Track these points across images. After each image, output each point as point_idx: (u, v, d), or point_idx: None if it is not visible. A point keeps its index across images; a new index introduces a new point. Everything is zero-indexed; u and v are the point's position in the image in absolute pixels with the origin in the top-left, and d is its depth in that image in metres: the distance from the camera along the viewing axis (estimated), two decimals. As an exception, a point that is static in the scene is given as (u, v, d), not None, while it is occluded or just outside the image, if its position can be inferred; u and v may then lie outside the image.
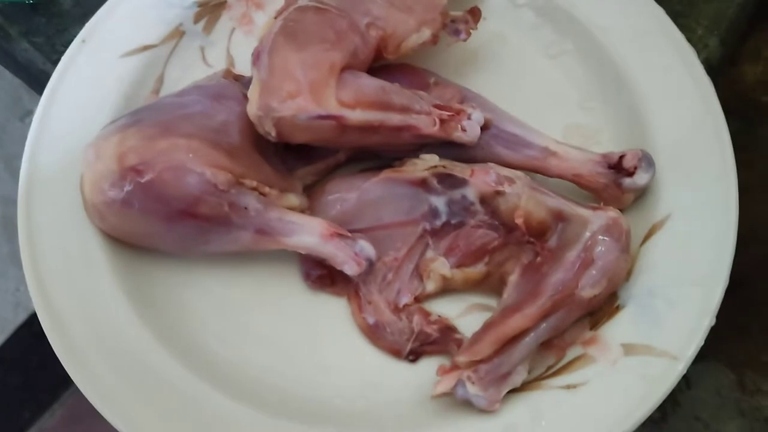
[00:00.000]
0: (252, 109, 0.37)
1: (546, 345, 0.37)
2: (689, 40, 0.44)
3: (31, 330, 1.05)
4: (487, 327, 0.36)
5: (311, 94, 0.37)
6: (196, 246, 0.38)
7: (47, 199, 0.40)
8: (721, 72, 0.50)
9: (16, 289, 1.03)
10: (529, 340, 0.35)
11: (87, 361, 0.36)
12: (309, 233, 0.38)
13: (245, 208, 0.37)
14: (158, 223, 0.37)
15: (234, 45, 0.47)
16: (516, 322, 0.35)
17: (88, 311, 0.37)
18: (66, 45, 0.49)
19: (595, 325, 0.37)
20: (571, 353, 0.37)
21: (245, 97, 0.39)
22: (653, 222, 0.39)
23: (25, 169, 0.41)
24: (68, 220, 0.39)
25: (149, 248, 0.39)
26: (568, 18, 0.46)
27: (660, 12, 0.44)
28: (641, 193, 0.40)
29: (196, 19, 0.47)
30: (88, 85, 0.43)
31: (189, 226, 0.37)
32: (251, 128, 0.38)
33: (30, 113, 0.97)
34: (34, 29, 0.51)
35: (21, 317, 1.03)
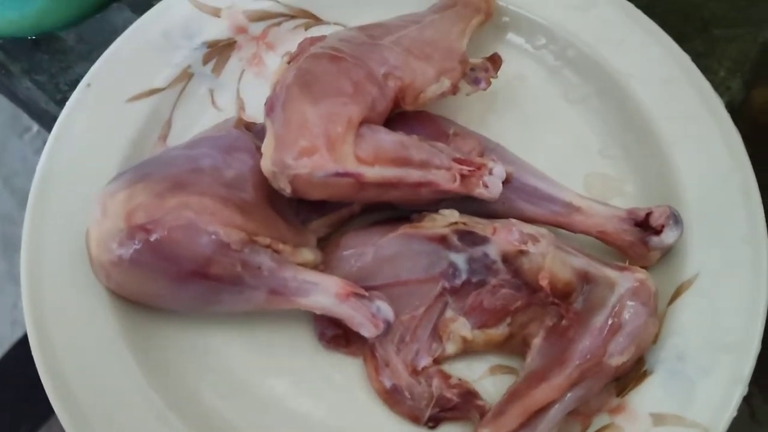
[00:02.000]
0: (266, 165, 0.36)
1: (571, 413, 0.35)
2: (711, 81, 0.43)
3: (28, 346, 1.04)
4: (511, 397, 0.34)
5: (328, 151, 0.35)
6: (206, 306, 0.37)
7: (52, 253, 0.38)
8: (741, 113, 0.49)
9: (13, 306, 1.02)
10: (555, 412, 0.34)
11: (91, 421, 0.35)
12: (324, 293, 0.36)
13: (259, 267, 0.36)
14: (167, 283, 0.36)
15: (244, 87, 0.46)
16: (542, 393, 0.33)
17: (94, 374, 0.36)
18: (69, 83, 0.48)
19: (621, 392, 0.36)
20: (598, 422, 0.35)
21: (258, 149, 0.38)
22: (681, 281, 0.38)
23: (28, 220, 0.39)
24: (73, 275, 0.38)
25: (157, 308, 0.38)
26: (589, 62, 0.44)
27: (685, 58, 0.43)
28: (667, 251, 0.39)
29: (205, 61, 0.45)
30: (94, 131, 0.41)
31: (200, 286, 0.35)
32: (264, 182, 0.37)
33: (28, 129, 0.95)
34: (36, 66, 0.49)
35: (18, 334, 1.01)
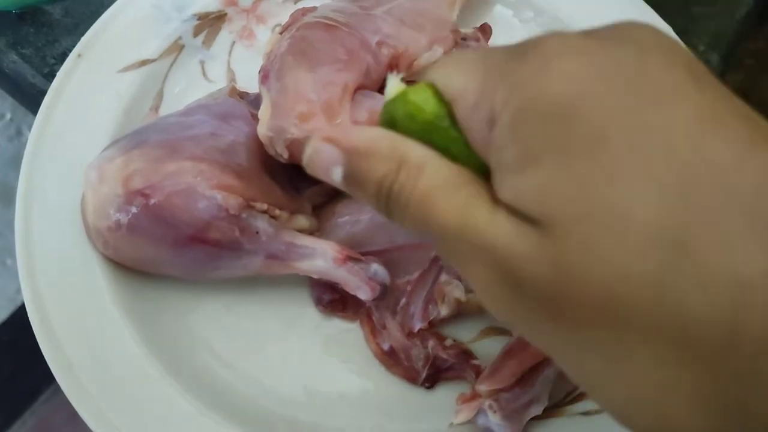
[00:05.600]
0: (263, 130, 0.36)
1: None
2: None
3: (0, 340, 1.02)
4: (507, 354, 0.35)
5: (325, 116, 0.36)
6: (204, 272, 0.37)
7: (46, 224, 0.38)
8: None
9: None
10: (551, 368, 0.34)
11: (91, 392, 0.35)
12: (321, 257, 0.37)
13: (256, 232, 0.36)
14: (166, 248, 0.36)
15: (235, 59, 0.46)
16: (537, 351, 0.34)
17: (92, 340, 0.36)
18: (56, 57, 0.48)
19: (612, 349, 0.37)
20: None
21: (253, 117, 0.38)
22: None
23: (21, 190, 0.39)
24: (69, 244, 0.38)
25: (155, 274, 0.38)
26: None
27: (668, 30, 0.44)
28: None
29: (196, 33, 0.45)
30: (86, 101, 0.41)
31: (198, 251, 0.36)
32: (260, 149, 0.37)
33: (2, 117, 0.94)
34: (22, 40, 0.49)
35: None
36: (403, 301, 0.38)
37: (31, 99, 0.48)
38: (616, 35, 0.20)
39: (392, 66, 0.39)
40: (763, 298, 0.16)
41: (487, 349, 0.38)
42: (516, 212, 0.19)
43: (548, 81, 0.19)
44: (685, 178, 0.17)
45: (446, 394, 0.37)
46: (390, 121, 0.23)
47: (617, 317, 0.17)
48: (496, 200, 0.20)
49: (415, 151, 0.22)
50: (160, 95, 0.44)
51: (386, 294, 0.38)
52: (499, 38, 0.46)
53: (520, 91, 0.19)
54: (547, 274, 0.18)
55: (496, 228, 0.19)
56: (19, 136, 0.98)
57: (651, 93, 0.18)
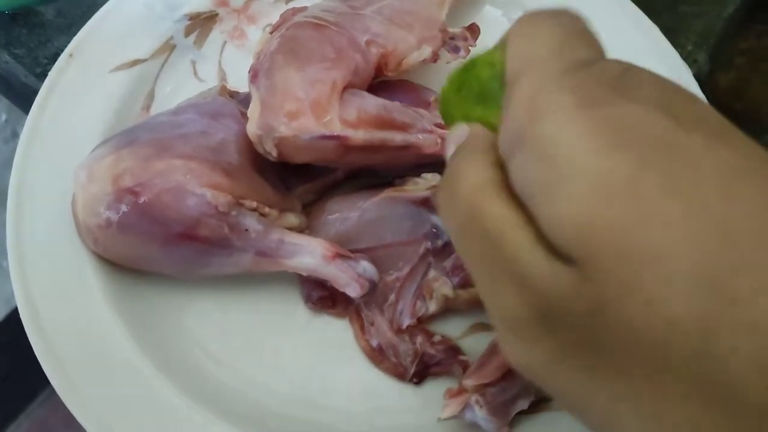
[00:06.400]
0: (252, 129, 0.36)
1: (551, 365, 0.36)
2: (679, 55, 0.44)
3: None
4: (493, 349, 0.35)
5: (314, 114, 0.36)
6: (194, 269, 0.37)
7: (37, 222, 0.38)
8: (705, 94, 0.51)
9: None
10: (537, 363, 0.35)
11: (83, 390, 0.35)
12: (310, 254, 0.37)
13: (246, 229, 0.36)
14: (156, 246, 0.36)
15: (226, 59, 0.46)
16: (524, 345, 0.34)
17: (83, 338, 0.36)
18: (49, 57, 0.48)
19: (598, 345, 0.37)
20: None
21: (243, 115, 0.38)
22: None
23: (13, 189, 0.39)
24: (60, 243, 0.38)
25: (145, 271, 0.38)
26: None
27: (654, 30, 0.45)
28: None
29: (187, 33, 0.46)
30: (77, 101, 0.42)
31: (188, 249, 0.36)
32: (250, 147, 0.38)
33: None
34: (14, 40, 0.49)
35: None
36: (392, 297, 0.39)
37: (23, 99, 0.48)
38: (630, 85, 0.19)
39: (381, 65, 0.39)
40: None
41: (475, 344, 0.38)
42: (552, 244, 0.18)
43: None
44: (721, 225, 0.17)
45: (434, 389, 0.37)
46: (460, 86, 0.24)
47: (660, 366, 0.17)
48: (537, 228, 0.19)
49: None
50: (151, 95, 0.44)
51: (375, 291, 0.38)
52: (488, 38, 0.46)
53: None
54: (585, 315, 0.18)
55: (537, 259, 0.19)
56: (14, 138, 0.98)
57: (682, 150, 0.18)
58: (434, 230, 0.39)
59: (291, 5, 0.47)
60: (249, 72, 0.39)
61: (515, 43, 0.22)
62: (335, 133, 0.36)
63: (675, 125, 0.18)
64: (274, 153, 0.36)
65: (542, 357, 0.19)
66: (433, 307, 0.39)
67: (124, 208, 0.35)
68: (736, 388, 0.16)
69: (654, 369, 0.17)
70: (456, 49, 0.42)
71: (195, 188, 0.35)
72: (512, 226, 0.19)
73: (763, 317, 0.16)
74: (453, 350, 0.38)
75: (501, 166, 0.21)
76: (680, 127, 0.18)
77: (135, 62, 0.44)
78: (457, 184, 0.21)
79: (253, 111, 0.37)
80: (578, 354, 0.18)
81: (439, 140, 0.38)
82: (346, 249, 0.38)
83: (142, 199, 0.35)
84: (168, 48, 0.45)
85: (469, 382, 0.35)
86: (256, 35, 0.47)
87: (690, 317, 0.16)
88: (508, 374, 0.35)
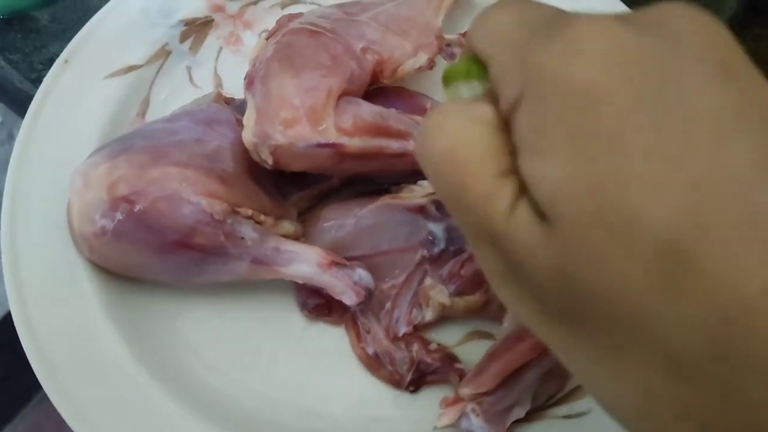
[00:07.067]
0: (247, 136, 0.36)
1: (547, 373, 0.36)
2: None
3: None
4: (490, 358, 0.35)
5: (309, 122, 0.36)
6: (190, 277, 0.37)
7: (32, 229, 0.38)
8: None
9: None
10: (533, 372, 0.35)
11: (76, 397, 0.35)
12: (306, 262, 0.37)
13: (242, 237, 0.36)
14: (151, 254, 0.36)
15: (222, 65, 0.46)
16: (520, 354, 0.34)
17: (77, 345, 0.36)
18: (44, 62, 0.48)
19: (595, 353, 0.37)
20: (572, 382, 0.37)
21: (238, 123, 0.38)
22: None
23: (7, 196, 0.39)
24: (55, 250, 0.38)
25: (140, 279, 0.38)
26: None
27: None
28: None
29: (183, 39, 0.46)
30: (72, 107, 0.42)
31: (183, 256, 0.36)
32: (245, 155, 0.37)
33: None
34: (9, 45, 0.49)
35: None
36: (388, 305, 0.39)
37: (19, 104, 0.48)
38: (653, 22, 0.18)
39: (376, 72, 0.39)
40: (758, 317, 0.16)
41: (472, 352, 0.38)
42: (533, 202, 0.18)
43: (573, 66, 0.18)
44: (699, 190, 0.16)
45: (430, 397, 0.37)
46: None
47: (614, 322, 0.17)
48: (522, 186, 0.19)
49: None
50: (146, 101, 0.44)
51: (371, 299, 0.38)
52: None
53: (543, 72, 0.18)
54: (551, 272, 0.18)
55: (515, 217, 0.19)
56: (10, 140, 0.98)
57: (675, 91, 0.17)
58: (430, 238, 0.39)
59: (287, 11, 0.47)
60: (245, 79, 0.38)
61: (480, 37, 0.21)
62: (331, 141, 0.36)
63: (673, 53, 0.17)
64: (270, 161, 0.36)
65: (525, 311, 0.20)
66: (429, 314, 0.39)
67: (119, 216, 0.35)
68: (679, 347, 0.16)
69: (611, 325, 0.17)
70: (452, 56, 0.42)
71: (190, 196, 0.35)
72: (489, 176, 0.19)
73: (717, 286, 0.16)
74: (449, 358, 0.38)
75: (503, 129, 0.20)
76: (679, 56, 0.17)
77: (130, 68, 0.43)
78: (444, 124, 0.20)
79: (249, 118, 0.36)
80: (557, 314, 0.18)
81: (435, 148, 0.38)
82: (342, 256, 0.38)
83: (137, 207, 0.35)
84: (163, 54, 0.45)
85: (465, 391, 0.34)
86: (251, 41, 0.47)
87: (648, 284, 0.16)
88: (505, 383, 0.35)
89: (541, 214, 0.18)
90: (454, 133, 0.20)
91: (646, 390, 0.17)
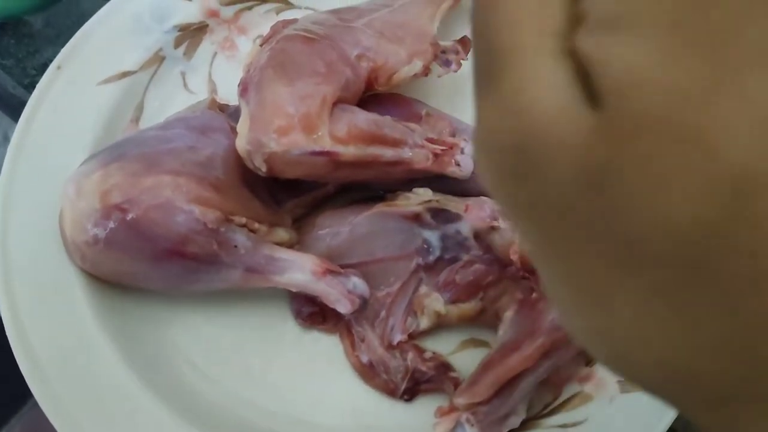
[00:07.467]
0: (241, 144, 0.36)
1: (543, 382, 0.36)
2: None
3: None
4: (485, 367, 0.35)
5: (304, 130, 0.36)
6: (183, 285, 0.37)
7: (24, 236, 0.38)
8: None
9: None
10: (529, 381, 0.35)
11: (67, 405, 0.35)
12: (300, 270, 0.37)
13: (235, 246, 0.36)
14: (144, 262, 0.36)
15: (216, 70, 0.46)
16: (515, 363, 0.34)
17: (69, 353, 0.36)
18: (37, 68, 0.48)
19: (590, 361, 0.37)
20: (568, 390, 0.37)
21: (232, 130, 0.38)
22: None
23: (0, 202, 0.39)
24: (47, 258, 0.37)
25: (132, 287, 0.38)
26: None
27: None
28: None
29: (177, 44, 0.45)
30: (65, 113, 0.41)
31: (176, 265, 0.36)
32: (239, 162, 0.37)
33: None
34: (2, 51, 0.49)
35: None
36: (383, 313, 0.39)
37: (12, 110, 0.48)
38: None
39: (371, 79, 0.39)
40: None
41: (467, 360, 0.38)
42: (583, 74, 0.14)
43: None
44: None
45: (425, 406, 0.37)
46: None
47: (664, 256, 0.13)
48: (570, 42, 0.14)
49: None
50: (140, 107, 0.44)
51: (366, 307, 0.38)
52: (480, 50, 0.46)
53: None
54: (576, 177, 0.13)
55: (558, 93, 0.14)
56: (5, 142, 0.98)
57: None
58: (425, 246, 0.38)
59: (282, 16, 0.47)
60: (239, 85, 0.38)
61: None
62: (325, 149, 0.36)
63: None
64: (264, 168, 0.36)
65: (503, 199, 0.15)
66: (424, 322, 0.38)
67: (112, 224, 0.35)
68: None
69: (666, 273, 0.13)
70: (447, 63, 0.41)
71: (183, 204, 0.35)
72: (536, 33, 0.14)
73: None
74: (444, 367, 0.38)
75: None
76: None
77: (124, 74, 0.43)
78: None
79: (243, 126, 0.36)
80: (575, 229, 0.14)
81: (430, 155, 0.38)
82: (337, 264, 0.38)
83: (130, 216, 0.35)
84: (157, 60, 0.44)
85: (460, 401, 0.34)
86: (246, 46, 0.46)
87: (702, 220, 0.12)
88: (500, 392, 0.34)
89: (593, 98, 0.13)
90: None
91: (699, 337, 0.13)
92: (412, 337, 0.39)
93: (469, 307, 0.38)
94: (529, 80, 0.14)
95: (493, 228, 0.37)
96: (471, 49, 0.17)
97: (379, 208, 0.39)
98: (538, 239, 0.15)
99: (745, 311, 0.13)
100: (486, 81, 0.15)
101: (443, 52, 0.41)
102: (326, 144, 0.36)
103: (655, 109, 0.12)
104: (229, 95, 0.43)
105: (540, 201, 0.14)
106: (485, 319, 0.39)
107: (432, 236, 0.38)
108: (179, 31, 0.45)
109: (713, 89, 0.12)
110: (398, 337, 0.38)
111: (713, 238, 0.13)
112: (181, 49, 0.45)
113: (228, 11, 0.46)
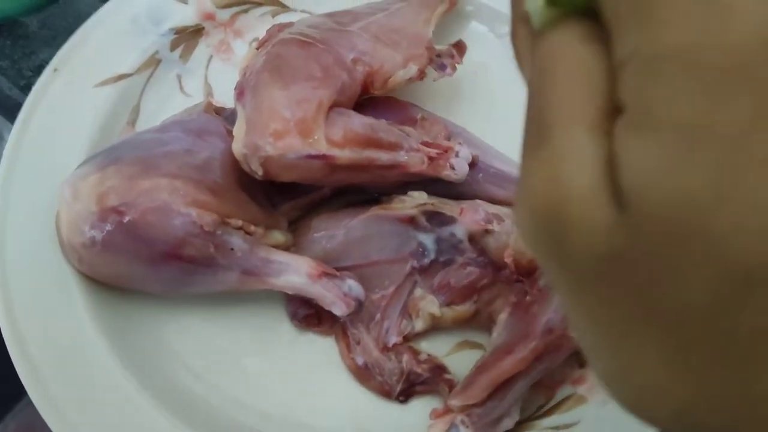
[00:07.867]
0: (238, 147, 0.36)
1: (536, 384, 0.37)
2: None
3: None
4: (479, 370, 0.35)
5: (300, 133, 0.36)
6: (179, 287, 0.37)
7: (21, 239, 0.38)
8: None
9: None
10: (522, 383, 0.35)
11: (63, 407, 0.35)
12: (296, 273, 0.37)
13: (231, 248, 0.36)
14: (140, 265, 0.36)
15: (212, 73, 0.46)
16: (509, 365, 0.35)
17: (66, 354, 0.36)
18: (33, 69, 0.48)
19: (583, 363, 0.38)
20: (561, 393, 0.37)
21: (228, 133, 0.38)
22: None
23: (-4, 205, 0.39)
24: (44, 260, 0.38)
25: (129, 289, 0.38)
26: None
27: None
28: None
29: (173, 47, 0.45)
30: (62, 116, 0.41)
31: (173, 267, 0.36)
32: (235, 165, 0.37)
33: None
34: (-2, 52, 0.49)
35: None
36: (378, 316, 0.39)
37: (7, 112, 0.48)
38: None
39: (367, 83, 0.39)
40: None
41: (461, 362, 0.39)
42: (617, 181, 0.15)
43: (719, 29, 0.13)
44: None
45: (420, 407, 0.37)
46: None
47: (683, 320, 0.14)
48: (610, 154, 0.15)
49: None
50: (136, 110, 0.44)
51: (361, 309, 0.38)
52: (475, 54, 0.46)
53: (668, 31, 0.13)
54: (602, 257, 0.15)
55: (593, 183, 0.15)
56: (1, 143, 0.98)
57: None
58: (420, 249, 0.39)
59: (278, 19, 0.47)
60: (235, 89, 0.38)
61: None
62: (321, 153, 0.36)
63: None
64: (260, 172, 0.36)
65: (534, 246, 0.16)
66: (419, 325, 0.39)
67: (108, 227, 0.35)
68: None
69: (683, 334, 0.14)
70: (442, 67, 0.42)
71: (180, 207, 0.35)
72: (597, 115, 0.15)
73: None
74: (439, 369, 0.38)
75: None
76: None
77: (120, 77, 0.43)
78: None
79: (239, 130, 0.36)
80: (568, 272, 0.16)
81: (425, 159, 0.38)
82: (332, 267, 0.38)
83: (126, 219, 0.35)
84: (153, 62, 0.45)
85: (454, 403, 0.35)
86: (242, 49, 0.47)
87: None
88: (494, 394, 0.35)
89: (616, 193, 0.15)
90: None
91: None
92: (407, 339, 0.39)
93: (463, 309, 0.39)
94: (567, 156, 0.15)
95: (487, 231, 0.38)
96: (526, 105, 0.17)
97: (375, 211, 0.39)
98: (566, 291, 0.16)
99: (756, 384, 0.14)
100: (533, 144, 0.16)
101: (438, 56, 0.42)
102: (322, 148, 0.36)
103: (670, 212, 0.14)
104: (225, 98, 0.44)
105: (567, 261, 0.16)
106: (479, 322, 0.39)
107: (427, 239, 0.38)
108: (175, 34, 0.45)
109: (722, 194, 0.13)
110: (393, 339, 0.38)
111: (727, 320, 0.14)
112: (177, 51, 0.46)
113: (224, 14, 0.47)
